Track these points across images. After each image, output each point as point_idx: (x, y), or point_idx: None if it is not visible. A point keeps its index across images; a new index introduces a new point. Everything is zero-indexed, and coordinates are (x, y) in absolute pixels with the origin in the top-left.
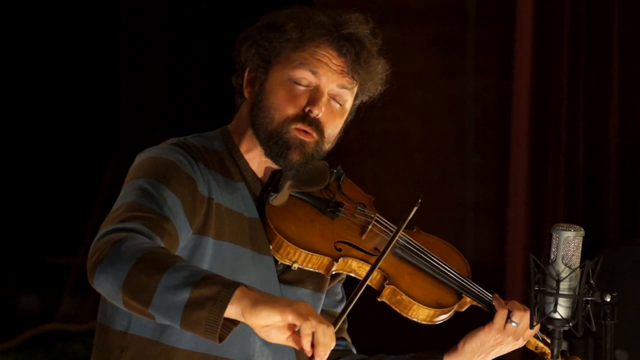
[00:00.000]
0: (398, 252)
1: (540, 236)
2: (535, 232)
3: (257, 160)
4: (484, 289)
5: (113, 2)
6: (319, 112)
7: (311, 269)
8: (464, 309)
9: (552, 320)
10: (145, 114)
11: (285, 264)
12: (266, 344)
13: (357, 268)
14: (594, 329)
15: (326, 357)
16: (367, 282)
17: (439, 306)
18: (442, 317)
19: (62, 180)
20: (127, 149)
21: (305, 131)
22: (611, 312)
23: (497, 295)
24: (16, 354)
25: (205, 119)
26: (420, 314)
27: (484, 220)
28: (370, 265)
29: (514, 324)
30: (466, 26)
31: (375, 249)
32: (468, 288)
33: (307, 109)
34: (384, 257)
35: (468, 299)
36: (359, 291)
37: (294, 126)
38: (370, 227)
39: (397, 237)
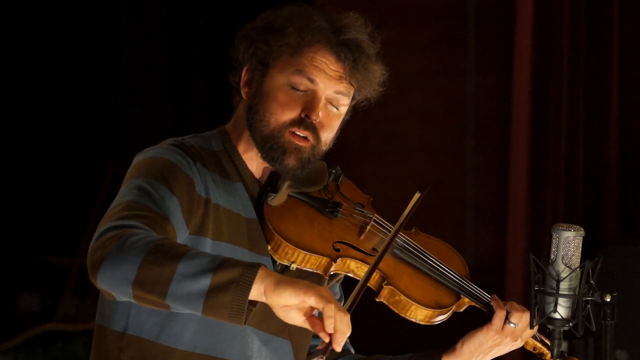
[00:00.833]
0: (396, 252)
1: (540, 236)
2: (535, 232)
3: (254, 161)
4: (484, 289)
5: (113, 2)
6: (316, 117)
7: (309, 270)
8: (462, 310)
9: (552, 320)
10: (145, 114)
11: (284, 265)
12: (264, 344)
13: (356, 268)
14: (594, 329)
15: (342, 344)
16: (369, 284)
17: (438, 307)
18: (441, 318)
19: (62, 180)
20: (127, 149)
21: (301, 136)
22: (611, 312)
23: (495, 296)
24: (16, 354)
25: (205, 119)
26: (419, 314)
27: (484, 220)
28: (368, 266)
29: (512, 325)
30: (466, 26)
31: (374, 249)
32: (466, 288)
33: (304, 114)
34: (387, 251)
35: (466, 300)
36: (367, 281)
37: (290, 130)
38: (368, 227)
39: (403, 224)
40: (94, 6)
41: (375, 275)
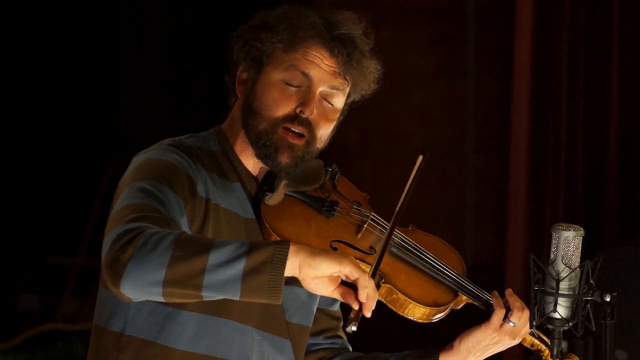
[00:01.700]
0: (394, 250)
1: (540, 236)
2: (535, 232)
3: (251, 160)
4: (484, 289)
5: (113, 2)
6: (310, 113)
7: None
8: (459, 307)
9: (552, 320)
10: (145, 113)
11: None
12: (264, 344)
13: None
14: (594, 329)
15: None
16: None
17: (436, 305)
18: (439, 316)
19: (62, 179)
20: (127, 149)
21: (296, 132)
22: (611, 312)
23: (496, 293)
24: (16, 354)
25: (205, 119)
26: (417, 312)
27: (484, 220)
28: (366, 264)
29: (511, 324)
30: (466, 26)
31: (371, 247)
32: (464, 286)
33: (298, 110)
34: (400, 215)
35: (464, 297)
36: (387, 246)
37: (284, 127)
38: (366, 226)
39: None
40: (94, 6)
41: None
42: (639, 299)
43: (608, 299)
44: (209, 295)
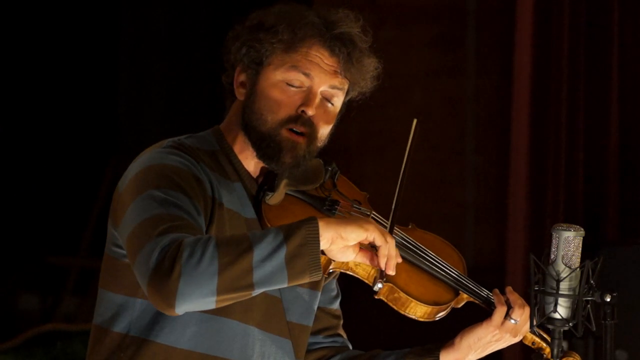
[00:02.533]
0: None
1: (540, 236)
2: (535, 232)
3: (250, 160)
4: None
5: (113, 2)
6: (312, 112)
7: None
8: (460, 305)
9: (552, 320)
10: (145, 114)
11: None
12: (265, 344)
13: (354, 266)
14: (594, 329)
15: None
16: (366, 280)
17: (437, 303)
18: (440, 314)
19: (62, 180)
20: (127, 149)
21: (298, 132)
22: (611, 312)
23: (497, 290)
24: (16, 354)
25: (205, 119)
26: (418, 311)
27: (484, 220)
28: (365, 265)
29: (513, 321)
30: (466, 26)
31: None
32: (465, 284)
33: (300, 110)
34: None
35: (465, 296)
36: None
37: (287, 127)
38: None
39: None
40: (94, 6)
41: (373, 272)
42: (639, 299)
43: (608, 299)
44: (260, 290)
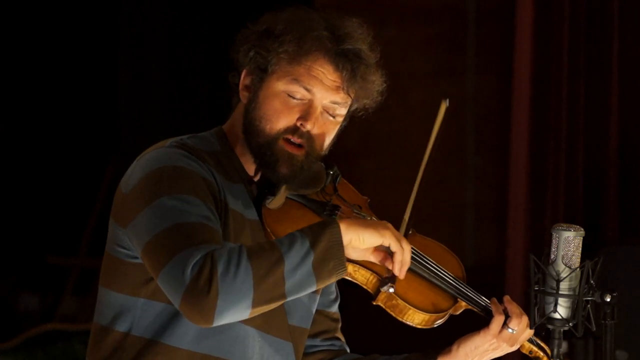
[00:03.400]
0: None
1: (540, 236)
2: (535, 232)
3: (251, 163)
4: (483, 289)
5: (113, 2)
6: (311, 126)
7: None
8: (458, 313)
9: (552, 320)
10: (145, 114)
11: None
12: (266, 346)
13: (353, 272)
14: (594, 329)
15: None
16: (364, 286)
17: (435, 311)
18: (438, 322)
19: (62, 180)
20: (127, 149)
21: (295, 143)
22: (611, 312)
23: (495, 299)
24: (16, 354)
25: (205, 119)
26: (416, 318)
27: (484, 220)
28: (365, 269)
29: (510, 330)
30: (466, 26)
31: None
32: (464, 292)
33: (299, 123)
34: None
35: (463, 303)
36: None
37: (284, 137)
38: None
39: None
40: (94, 6)
41: (373, 279)
42: (639, 299)
43: (608, 299)
44: (291, 298)
